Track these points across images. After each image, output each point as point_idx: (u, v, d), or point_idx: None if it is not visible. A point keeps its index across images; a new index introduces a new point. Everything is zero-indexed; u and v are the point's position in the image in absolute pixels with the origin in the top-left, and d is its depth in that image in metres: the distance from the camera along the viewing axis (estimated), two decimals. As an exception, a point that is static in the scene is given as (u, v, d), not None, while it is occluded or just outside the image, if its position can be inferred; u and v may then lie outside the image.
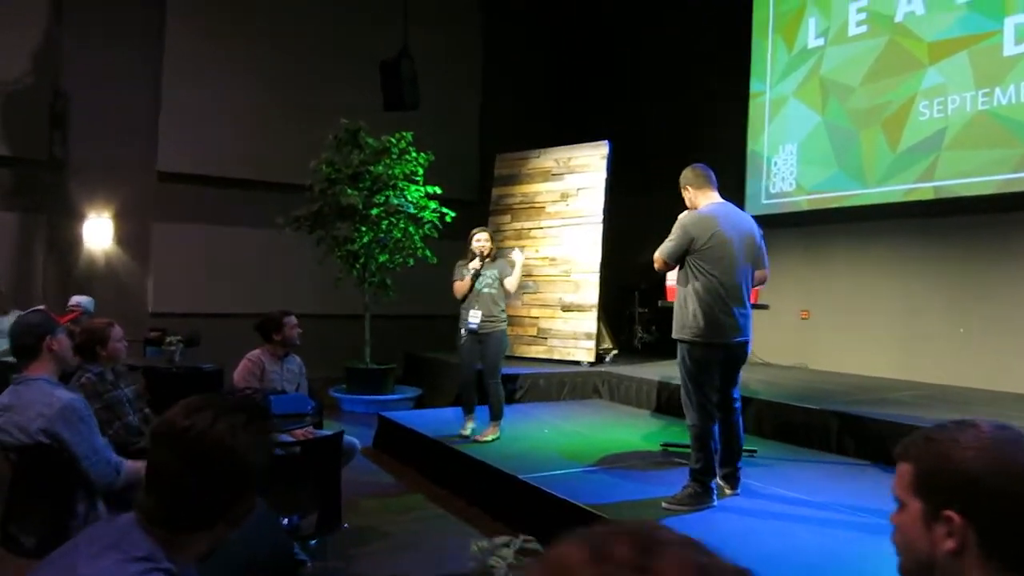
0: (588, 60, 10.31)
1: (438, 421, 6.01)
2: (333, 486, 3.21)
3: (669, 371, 7.13)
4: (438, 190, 7.79)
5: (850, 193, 6.97)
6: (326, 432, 3.94)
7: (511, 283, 5.36)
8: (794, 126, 7.50)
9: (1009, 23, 5.71)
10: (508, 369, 6.42)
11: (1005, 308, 6.08)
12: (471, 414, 5.51)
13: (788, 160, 7.55)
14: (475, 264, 5.31)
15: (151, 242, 8.46)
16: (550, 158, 8.40)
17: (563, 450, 5.15)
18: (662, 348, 8.82)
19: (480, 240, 5.35)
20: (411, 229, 7.74)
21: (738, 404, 3.95)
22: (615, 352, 8.09)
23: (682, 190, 3.91)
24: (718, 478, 3.90)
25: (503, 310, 5.39)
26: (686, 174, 3.90)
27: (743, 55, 7.96)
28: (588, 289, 7.75)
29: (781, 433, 5.32)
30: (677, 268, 3.82)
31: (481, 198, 9.36)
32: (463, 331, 5.38)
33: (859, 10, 6.88)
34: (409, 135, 7.72)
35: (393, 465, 5.69)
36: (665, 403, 6.53)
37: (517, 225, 8.52)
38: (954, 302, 6.46)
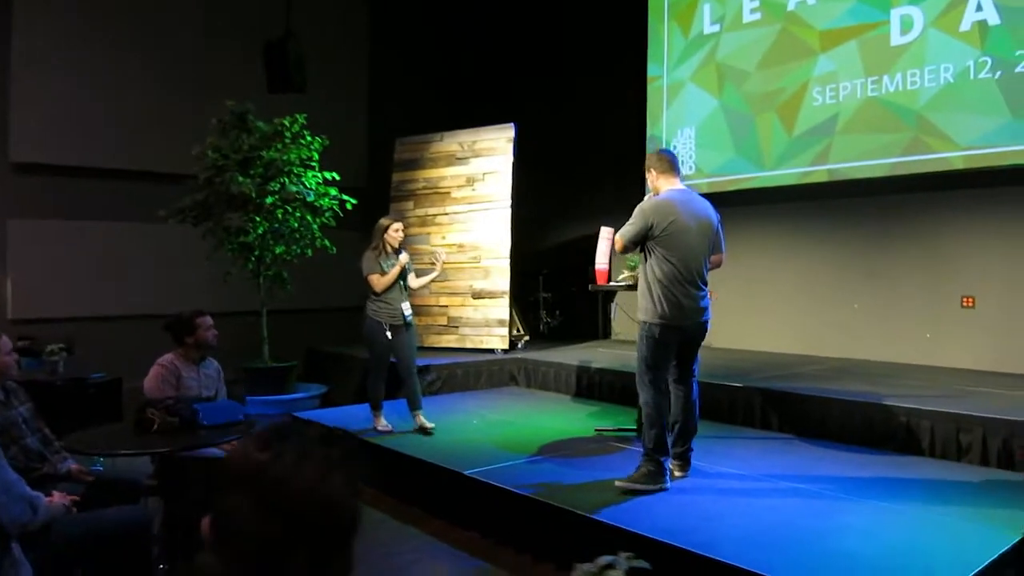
0: (487, 40, 10.10)
1: (354, 418, 5.75)
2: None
3: (585, 355, 7.18)
4: (336, 176, 7.41)
5: (748, 176, 7.22)
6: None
7: (420, 283, 5.53)
8: (692, 110, 7.68)
9: (895, 14, 6.08)
10: (422, 360, 6.28)
11: (896, 284, 6.51)
12: (381, 409, 5.46)
13: (687, 144, 7.74)
14: (404, 258, 5.30)
15: (8, 241, 7.52)
16: (454, 142, 8.19)
17: (498, 441, 5.05)
18: (568, 332, 8.90)
19: (400, 231, 5.37)
20: (308, 218, 7.32)
21: (695, 381, 4.00)
22: (526, 338, 8.05)
23: (646, 172, 3.98)
24: (671, 457, 3.92)
25: None
26: (651, 158, 4.00)
27: (643, 39, 8.05)
28: (499, 275, 7.64)
29: (708, 412, 5.38)
30: (636, 252, 3.86)
31: (370, 184, 9.01)
32: (387, 325, 5.27)
33: (753, -2, 7.13)
34: (302, 117, 7.26)
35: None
36: (585, 388, 6.54)
37: (420, 212, 8.27)
38: (849, 280, 6.84)
